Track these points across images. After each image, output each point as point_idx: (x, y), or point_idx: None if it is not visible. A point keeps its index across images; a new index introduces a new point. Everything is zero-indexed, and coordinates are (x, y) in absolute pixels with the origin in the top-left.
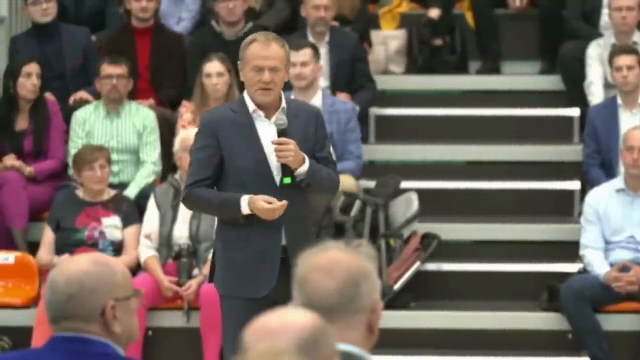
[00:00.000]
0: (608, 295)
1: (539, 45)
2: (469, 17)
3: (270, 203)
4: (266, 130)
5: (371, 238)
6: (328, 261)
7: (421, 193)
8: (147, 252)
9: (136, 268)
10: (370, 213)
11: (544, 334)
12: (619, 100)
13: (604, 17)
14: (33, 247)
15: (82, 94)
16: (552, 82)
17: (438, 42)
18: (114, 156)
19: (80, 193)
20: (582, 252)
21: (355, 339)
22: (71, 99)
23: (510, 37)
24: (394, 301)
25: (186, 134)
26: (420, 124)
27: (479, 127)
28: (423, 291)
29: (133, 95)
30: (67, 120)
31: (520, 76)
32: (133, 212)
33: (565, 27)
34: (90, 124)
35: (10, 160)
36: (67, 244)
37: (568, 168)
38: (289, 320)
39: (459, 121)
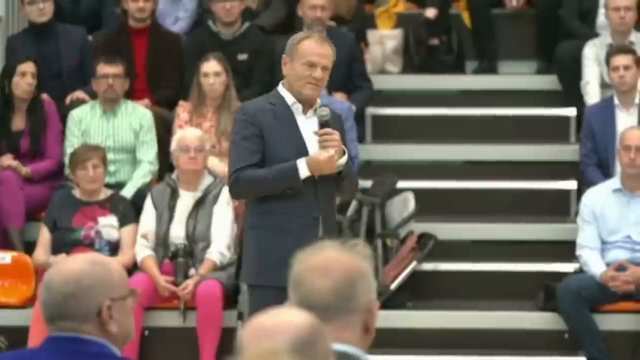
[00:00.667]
0: (605, 295)
1: (536, 45)
2: (466, 17)
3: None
4: (304, 124)
5: (368, 238)
6: (324, 261)
7: (418, 193)
8: (143, 251)
9: (133, 268)
10: (366, 213)
11: (540, 334)
12: (616, 100)
13: (601, 17)
14: (29, 247)
15: (79, 94)
16: (548, 81)
17: (435, 41)
18: (111, 156)
19: (76, 193)
20: (578, 252)
21: (351, 339)
22: (68, 99)
23: (507, 36)
24: (390, 301)
25: (183, 134)
26: (417, 124)
27: (476, 126)
28: (419, 291)
29: (130, 95)
30: (64, 120)
31: (517, 76)
32: (130, 211)
33: (562, 27)
34: (86, 123)
35: (7, 160)
36: (63, 244)
37: (564, 168)
38: (285, 320)
39: (455, 121)
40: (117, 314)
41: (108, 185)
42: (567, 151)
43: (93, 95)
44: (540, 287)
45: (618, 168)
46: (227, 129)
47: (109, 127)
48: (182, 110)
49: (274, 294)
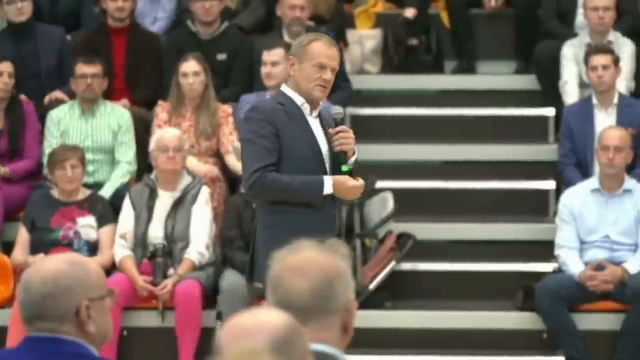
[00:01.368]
0: (583, 295)
1: (514, 44)
2: (445, 17)
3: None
4: (313, 123)
5: (346, 237)
6: (302, 261)
7: (396, 193)
8: (122, 251)
9: (111, 268)
10: (345, 213)
11: (519, 334)
12: (594, 100)
13: (579, 17)
14: (8, 247)
15: (57, 94)
16: (527, 81)
17: (414, 41)
18: (89, 156)
19: (55, 193)
20: (557, 251)
21: (329, 339)
22: (46, 99)
23: (486, 36)
24: (369, 301)
25: (162, 134)
26: (396, 124)
27: (454, 126)
28: (398, 291)
29: (109, 95)
30: (43, 119)
31: (496, 76)
32: (108, 212)
33: (541, 26)
34: (65, 123)
35: None
36: (42, 244)
37: (543, 168)
38: (264, 320)
39: (434, 121)
40: (95, 314)
41: (86, 186)
42: (545, 151)
43: (72, 95)
44: (519, 287)
45: (596, 168)
46: (206, 129)
47: (87, 128)
48: (161, 110)
49: None
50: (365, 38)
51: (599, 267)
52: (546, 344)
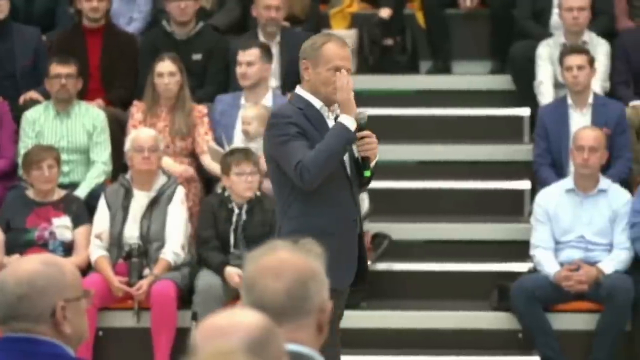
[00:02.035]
0: (558, 295)
1: (490, 45)
2: (420, 17)
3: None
4: (331, 125)
5: None
6: (276, 262)
7: (372, 193)
8: (97, 252)
9: (87, 268)
10: None
11: (494, 334)
12: (569, 100)
13: (554, 17)
14: None
15: (32, 94)
16: (502, 81)
17: (389, 42)
18: (64, 156)
19: (30, 193)
20: (532, 251)
21: (305, 339)
22: (21, 99)
23: (461, 36)
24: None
25: (137, 134)
26: (371, 124)
27: (430, 126)
28: (374, 291)
29: (84, 95)
30: (18, 120)
31: (471, 76)
32: (83, 212)
33: (516, 26)
34: (40, 124)
35: None
36: (17, 245)
37: (518, 168)
38: (238, 320)
39: (409, 121)
40: (71, 315)
41: (62, 186)
42: (520, 151)
43: (46, 96)
44: (494, 287)
45: (571, 168)
46: (182, 129)
47: (62, 128)
48: (136, 110)
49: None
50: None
51: (574, 267)
52: (521, 343)
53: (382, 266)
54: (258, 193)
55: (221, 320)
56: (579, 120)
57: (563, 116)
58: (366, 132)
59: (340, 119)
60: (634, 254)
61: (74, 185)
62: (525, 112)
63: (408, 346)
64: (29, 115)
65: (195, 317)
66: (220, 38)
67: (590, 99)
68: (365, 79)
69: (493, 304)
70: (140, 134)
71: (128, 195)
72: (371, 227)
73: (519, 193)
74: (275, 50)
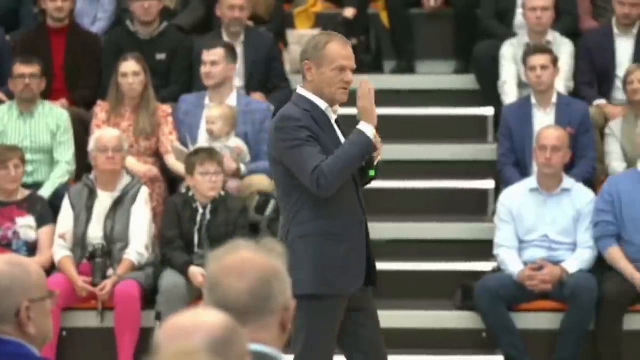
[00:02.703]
0: (522, 294)
1: (454, 44)
2: (384, 17)
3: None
4: (336, 126)
5: None
6: (239, 262)
7: None
8: (61, 252)
9: (50, 268)
10: None
11: (458, 333)
12: (533, 100)
13: (518, 17)
14: None
15: None
16: (466, 81)
17: (353, 41)
18: (28, 156)
19: None
20: (496, 251)
21: (268, 339)
22: None
23: (425, 36)
24: None
25: (101, 134)
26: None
27: (394, 126)
28: None
29: (48, 95)
30: None
31: (435, 75)
32: (47, 212)
33: (480, 26)
34: (3, 124)
35: None
36: None
37: (482, 167)
38: (202, 320)
39: None
40: (35, 315)
41: (25, 186)
42: (484, 150)
43: (10, 96)
44: (458, 287)
45: (535, 167)
46: (146, 129)
47: (26, 128)
48: (100, 110)
49: (333, 302)
50: (304, 38)
51: (538, 266)
52: (485, 343)
53: None
54: (222, 193)
55: (184, 320)
56: (543, 119)
57: (527, 116)
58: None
59: (360, 127)
60: (597, 253)
61: (37, 185)
62: (489, 111)
63: None
64: None
65: (159, 317)
66: (184, 38)
67: (554, 99)
68: None
69: (457, 304)
70: (104, 134)
71: (92, 195)
72: None
73: (483, 192)
74: (239, 50)
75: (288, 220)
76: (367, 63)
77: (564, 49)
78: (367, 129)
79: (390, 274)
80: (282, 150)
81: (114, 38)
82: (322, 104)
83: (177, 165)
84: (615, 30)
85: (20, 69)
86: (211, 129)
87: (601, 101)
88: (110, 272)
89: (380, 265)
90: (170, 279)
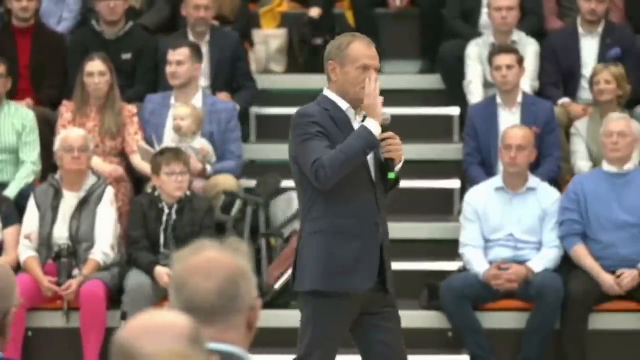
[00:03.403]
0: (487, 293)
1: (419, 44)
2: (350, 16)
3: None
4: (356, 127)
5: (251, 237)
6: (205, 262)
7: None
8: (26, 252)
9: (16, 268)
10: (250, 212)
11: (424, 332)
12: (499, 99)
13: (483, 17)
14: None
15: None
16: (432, 81)
17: (318, 41)
18: None
19: None
20: (461, 250)
21: (235, 339)
22: None
23: (391, 36)
24: (275, 300)
25: (66, 134)
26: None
27: None
28: None
29: (13, 94)
30: None
31: (401, 75)
32: (13, 212)
33: (445, 26)
34: None
35: None
36: None
37: (448, 166)
38: (173, 320)
39: None
40: (10, 320)
41: None
42: (450, 150)
43: None
44: (424, 286)
45: (500, 167)
46: (111, 129)
47: None
48: (66, 110)
49: (340, 300)
50: (270, 37)
51: (503, 266)
52: (451, 342)
53: None
54: (188, 193)
55: (155, 319)
56: (508, 119)
57: (492, 115)
58: (389, 134)
59: (365, 122)
60: (563, 252)
61: (2, 185)
62: (454, 111)
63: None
64: None
65: (124, 316)
66: (149, 37)
67: (519, 98)
68: (294, 78)
69: (422, 303)
70: (70, 133)
71: (57, 195)
72: None
73: (449, 192)
74: (205, 49)
75: (302, 216)
76: None
77: (529, 48)
78: (371, 124)
79: None
80: (294, 145)
81: (80, 38)
82: (344, 105)
83: (142, 165)
84: (580, 30)
85: None
86: (179, 125)
87: (566, 99)
88: (75, 272)
89: None
90: (135, 278)
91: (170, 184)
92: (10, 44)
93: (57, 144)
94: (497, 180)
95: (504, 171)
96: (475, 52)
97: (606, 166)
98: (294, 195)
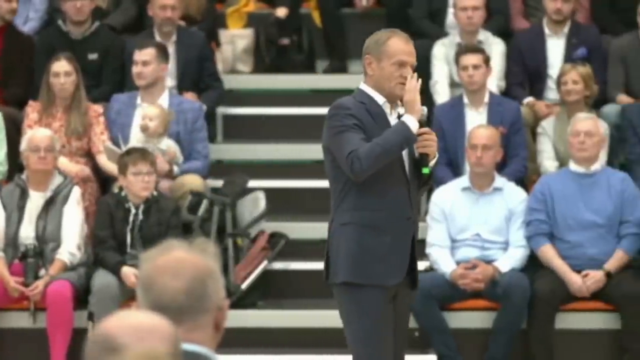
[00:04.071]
0: (454, 293)
1: None
2: (316, 17)
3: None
4: (392, 122)
5: (218, 237)
6: (173, 261)
7: (268, 192)
8: None
9: None
10: (217, 212)
11: None
12: (465, 99)
13: (450, 17)
14: None
15: None
16: None
17: (285, 41)
18: None
19: None
20: (428, 250)
21: (202, 339)
22: None
23: (357, 36)
24: (242, 300)
25: (32, 134)
26: (268, 123)
27: None
28: (271, 290)
29: None
30: None
31: None
32: None
33: (412, 26)
34: None
35: None
36: None
37: None
38: (159, 322)
39: (306, 120)
40: None
41: None
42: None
43: None
44: None
45: (467, 167)
46: (77, 129)
47: None
48: (32, 110)
49: (374, 290)
50: (237, 38)
51: (470, 266)
52: (418, 342)
53: (278, 265)
54: (155, 193)
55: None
56: (475, 119)
57: (459, 115)
58: (425, 129)
59: (403, 118)
60: (529, 252)
61: None
62: None
63: (305, 345)
64: None
65: (91, 317)
66: (116, 37)
67: (486, 98)
68: (261, 79)
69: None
70: (36, 133)
71: (24, 195)
72: (268, 227)
73: None
74: (171, 49)
75: (334, 208)
76: (300, 63)
77: (496, 48)
78: (410, 120)
79: (322, 273)
80: (329, 136)
81: (46, 38)
82: (380, 99)
83: (109, 165)
84: (547, 30)
85: None
86: (146, 125)
87: (531, 98)
88: (42, 272)
89: (314, 265)
90: (102, 279)
91: (137, 184)
92: None
93: (23, 144)
94: (463, 181)
95: (471, 171)
96: (441, 52)
97: (573, 166)
98: (260, 195)
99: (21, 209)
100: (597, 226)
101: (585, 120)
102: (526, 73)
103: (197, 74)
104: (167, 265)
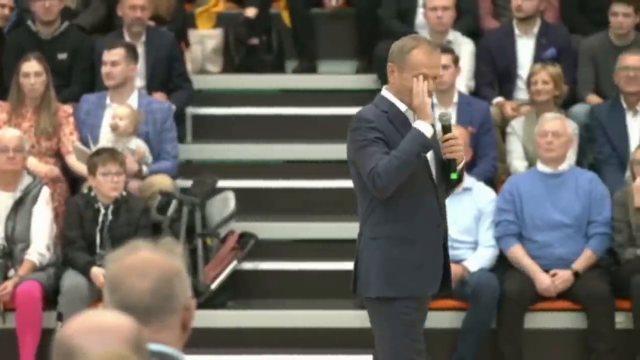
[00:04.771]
0: None
1: (355, 44)
2: (286, 17)
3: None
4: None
5: (188, 237)
6: (140, 262)
7: (238, 192)
8: None
9: None
10: (186, 212)
11: (359, 332)
12: (435, 99)
13: (420, 17)
14: None
15: None
16: (368, 81)
17: (255, 41)
18: None
19: None
20: None
21: (169, 339)
22: None
23: (327, 36)
24: (211, 300)
25: (2, 134)
26: (237, 123)
27: (296, 126)
28: (240, 290)
29: None
30: None
31: (337, 75)
32: None
33: (381, 26)
34: None
35: None
36: None
37: None
38: (118, 322)
39: (276, 120)
40: None
41: None
42: None
43: None
44: None
45: None
46: (47, 129)
47: None
48: (1, 110)
49: (408, 302)
50: (206, 38)
51: None
52: None
53: (248, 265)
54: (124, 193)
55: (105, 319)
56: None
57: None
58: (450, 135)
59: (416, 125)
60: (498, 252)
61: None
62: None
63: (274, 345)
64: None
65: (60, 317)
66: (85, 37)
67: (455, 98)
68: (231, 79)
69: (358, 303)
70: (5, 134)
71: None
72: (237, 227)
73: None
74: (140, 50)
75: (362, 221)
76: (269, 63)
77: (465, 48)
78: (422, 126)
79: (293, 274)
80: (353, 150)
81: (16, 38)
82: (402, 106)
83: (78, 166)
84: (516, 31)
85: None
86: (116, 124)
87: (500, 98)
88: (11, 272)
89: (283, 265)
90: (71, 279)
91: (106, 185)
92: None
93: None
94: None
95: None
96: None
97: (541, 166)
98: (230, 195)
99: None
100: (565, 226)
101: (552, 121)
102: (495, 73)
103: (167, 74)
104: (134, 265)
